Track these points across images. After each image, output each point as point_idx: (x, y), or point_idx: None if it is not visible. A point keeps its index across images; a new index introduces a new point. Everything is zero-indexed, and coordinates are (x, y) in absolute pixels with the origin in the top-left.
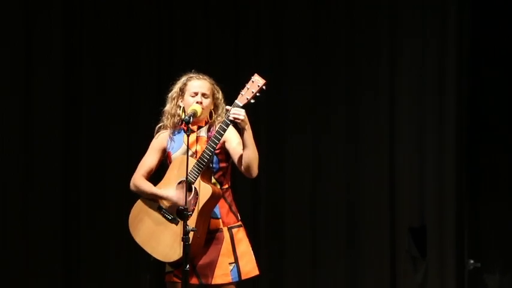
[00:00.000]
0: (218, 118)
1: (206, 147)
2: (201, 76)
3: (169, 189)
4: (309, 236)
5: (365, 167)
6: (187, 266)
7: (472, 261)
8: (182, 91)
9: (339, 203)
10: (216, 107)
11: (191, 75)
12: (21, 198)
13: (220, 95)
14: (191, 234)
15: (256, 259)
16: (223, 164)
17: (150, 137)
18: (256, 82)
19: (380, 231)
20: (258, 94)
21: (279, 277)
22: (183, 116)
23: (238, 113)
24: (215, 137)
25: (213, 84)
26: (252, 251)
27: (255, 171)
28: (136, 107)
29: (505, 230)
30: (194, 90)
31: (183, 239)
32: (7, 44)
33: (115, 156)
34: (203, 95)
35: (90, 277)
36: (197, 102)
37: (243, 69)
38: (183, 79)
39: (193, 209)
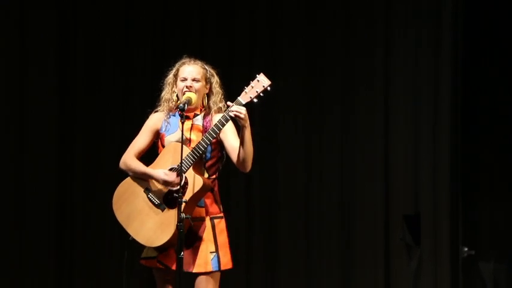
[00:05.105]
0: (214, 105)
1: (202, 139)
2: (192, 61)
3: (161, 170)
4: (303, 226)
5: (359, 159)
6: (182, 253)
7: (466, 249)
8: (176, 77)
9: (333, 193)
10: (211, 91)
11: (184, 60)
12: (16, 197)
13: (215, 80)
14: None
15: (248, 251)
16: (215, 154)
17: None
18: (262, 82)
19: (374, 219)
20: (261, 94)
21: (273, 265)
22: (177, 102)
23: (239, 111)
24: (213, 130)
25: (205, 69)
26: (229, 244)
27: (249, 166)
28: (131, 105)
29: (499, 218)
30: (184, 75)
31: (177, 227)
32: (2, 44)
33: (109, 154)
34: (193, 79)
35: (83, 276)
36: (187, 87)
37: (239, 69)
38: (177, 65)
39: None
